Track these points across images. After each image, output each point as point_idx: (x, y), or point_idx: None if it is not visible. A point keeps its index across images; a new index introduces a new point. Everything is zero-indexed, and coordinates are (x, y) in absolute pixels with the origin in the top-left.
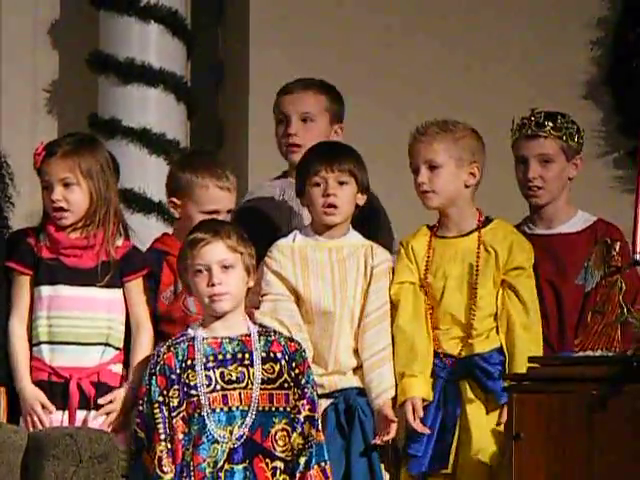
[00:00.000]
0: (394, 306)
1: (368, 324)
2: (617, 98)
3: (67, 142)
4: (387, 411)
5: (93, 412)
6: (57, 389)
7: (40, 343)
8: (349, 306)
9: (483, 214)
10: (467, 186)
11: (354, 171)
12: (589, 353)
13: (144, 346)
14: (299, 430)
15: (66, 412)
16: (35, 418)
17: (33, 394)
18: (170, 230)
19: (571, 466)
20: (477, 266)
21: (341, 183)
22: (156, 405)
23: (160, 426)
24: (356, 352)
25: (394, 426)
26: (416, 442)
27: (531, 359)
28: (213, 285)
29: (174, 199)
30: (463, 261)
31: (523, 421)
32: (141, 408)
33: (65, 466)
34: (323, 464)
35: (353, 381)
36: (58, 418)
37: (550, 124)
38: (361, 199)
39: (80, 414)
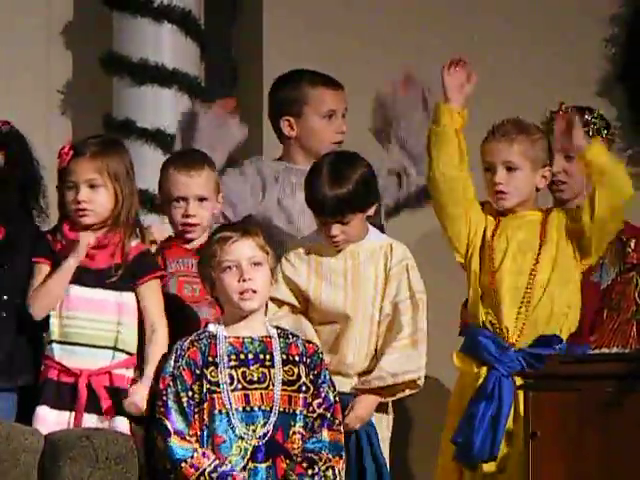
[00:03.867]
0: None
1: (382, 325)
2: (631, 95)
3: (94, 143)
4: (356, 405)
5: (100, 418)
6: (65, 389)
7: (52, 342)
8: (366, 310)
9: None
10: (538, 189)
11: (359, 207)
12: (605, 350)
13: (160, 343)
14: (309, 426)
15: (72, 413)
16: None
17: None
18: None
19: (587, 463)
20: (542, 234)
21: (346, 222)
22: (184, 400)
23: (189, 418)
24: (372, 356)
25: (355, 419)
26: (463, 431)
27: (547, 357)
28: (244, 280)
29: (157, 195)
30: (528, 229)
31: (539, 419)
32: (163, 399)
33: (81, 467)
34: (337, 457)
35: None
36: (65, 419)
37: (579, 119)
38: (370, 211)
39: (90, 418)
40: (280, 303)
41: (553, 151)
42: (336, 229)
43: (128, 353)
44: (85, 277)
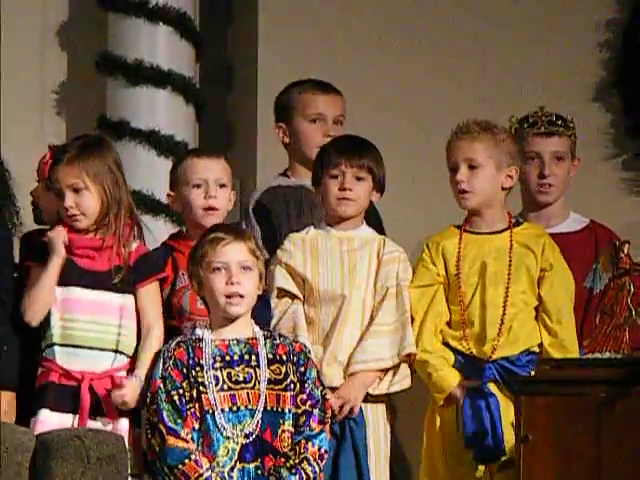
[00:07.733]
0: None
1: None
2: (626, 100)
3: (73, 147)
4: (341, 390)
5: (103, 420)
6: (67, 391)
7: (53, 345)
8: (359, 295)
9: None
10: (504, 188)
11: (372, 168)
12: (597, 355)
13: (153, 346)
14: (293, 422)
15: (76, 416)
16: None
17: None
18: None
19: (579, 468)
20: (510, 262)
21: (359, 179)
22: (176, 398)
23: (183, 414)
24: None
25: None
26: (472, 435)
27: (540, 361)
28: (232, 284)
29: (170, 192)
30: (497, 258)
31: (531, 423)
32: (156, 402)
33: (73, 467)
34: (322, 449)
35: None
36: (68, 421)
37: (561, 122)
38: (375, 196)
39: (94, 422)
40: (282, 293)
41: (540, 152)
42: (350, 179)
43: (127, 356)
44: (86, 279)
